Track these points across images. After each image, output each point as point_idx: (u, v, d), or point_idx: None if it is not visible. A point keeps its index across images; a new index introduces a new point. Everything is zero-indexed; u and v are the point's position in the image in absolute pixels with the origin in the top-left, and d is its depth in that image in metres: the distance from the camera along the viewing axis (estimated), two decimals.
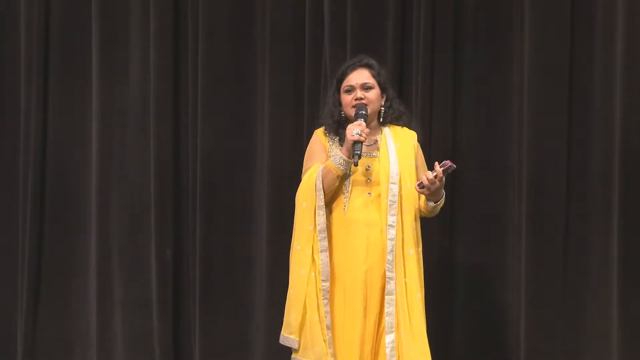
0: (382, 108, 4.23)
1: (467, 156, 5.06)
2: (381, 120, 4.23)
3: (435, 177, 4.03)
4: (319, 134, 4.28)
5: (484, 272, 5.08)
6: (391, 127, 4.24)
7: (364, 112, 4.13)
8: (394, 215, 4.08)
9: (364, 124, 4.08)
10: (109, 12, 5.55)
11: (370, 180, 4.14)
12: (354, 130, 4.05)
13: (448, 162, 4.03)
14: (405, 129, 4.26)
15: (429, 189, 4.05)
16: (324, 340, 4.06)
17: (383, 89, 4.24)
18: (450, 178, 4.96)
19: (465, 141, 5.07)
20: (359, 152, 4.04)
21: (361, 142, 4.05)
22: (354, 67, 4.24)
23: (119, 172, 5.56)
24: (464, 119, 5.09)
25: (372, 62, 4.27)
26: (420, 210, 4.21)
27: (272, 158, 5.30)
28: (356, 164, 4.06)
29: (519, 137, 4.99)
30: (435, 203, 4.15)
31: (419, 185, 4.07)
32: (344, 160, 4.09)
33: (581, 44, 4.94)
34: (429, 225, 4.62)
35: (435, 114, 5.04)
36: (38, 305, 5.66)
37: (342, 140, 4.15)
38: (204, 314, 5.37)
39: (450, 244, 5.07)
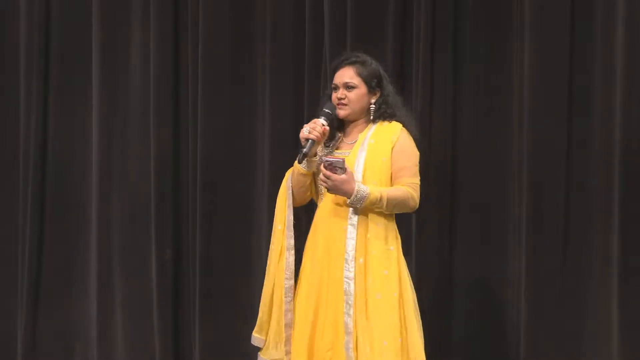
0: (373, 105, 4.10)
1: (467, 156, 5.06)
2: (372, 117, 4.10)
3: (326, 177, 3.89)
4: None
5: (484, 272, 5.07)
6: (381, 123, 4.08)
7: (328, 110, 4.05)
8: (356, 214, 3.95)
9: (319, 122, 4.00)
10: (109, 12, 5.56)
11: None
12: (305, 128, 4.01)
13: (327, 160, 3.86)
14: (394, 122, 4.07)
15: (327, 188, 3.93)
16: (281, 339, 4.01)
17: (372, 87, 4.10)
18: (451, 177, 4.99)
19: (465, 141, 5.07)
20: (305, 149, 3.97)
21: (311, 140, 3.97)
22: (341, 65, 4.13)
23: (119, 172, 5.57)
24: (464, 119, 5.08)
25: (362, 58, 4.13)
26: None
27: (272, 158, 5.30)
28: (300, 162, 4.00)
29: (519, 137, 4.99)
30: (349, 199, 3.92)
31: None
32: None
33: (581, 44, 4.94)
34: (429, 225, 4.62)
35: (435, 114, 5.04)
36: (38, 305, 5.67)
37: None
38: (204, 314, 5.38)
39: (450, 244, 5.07)
